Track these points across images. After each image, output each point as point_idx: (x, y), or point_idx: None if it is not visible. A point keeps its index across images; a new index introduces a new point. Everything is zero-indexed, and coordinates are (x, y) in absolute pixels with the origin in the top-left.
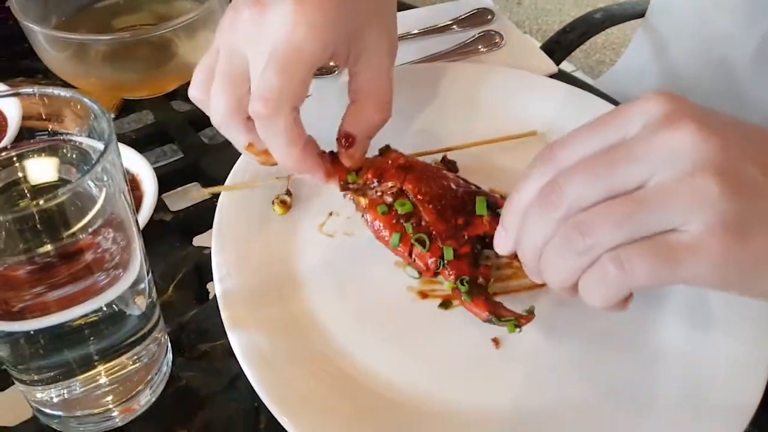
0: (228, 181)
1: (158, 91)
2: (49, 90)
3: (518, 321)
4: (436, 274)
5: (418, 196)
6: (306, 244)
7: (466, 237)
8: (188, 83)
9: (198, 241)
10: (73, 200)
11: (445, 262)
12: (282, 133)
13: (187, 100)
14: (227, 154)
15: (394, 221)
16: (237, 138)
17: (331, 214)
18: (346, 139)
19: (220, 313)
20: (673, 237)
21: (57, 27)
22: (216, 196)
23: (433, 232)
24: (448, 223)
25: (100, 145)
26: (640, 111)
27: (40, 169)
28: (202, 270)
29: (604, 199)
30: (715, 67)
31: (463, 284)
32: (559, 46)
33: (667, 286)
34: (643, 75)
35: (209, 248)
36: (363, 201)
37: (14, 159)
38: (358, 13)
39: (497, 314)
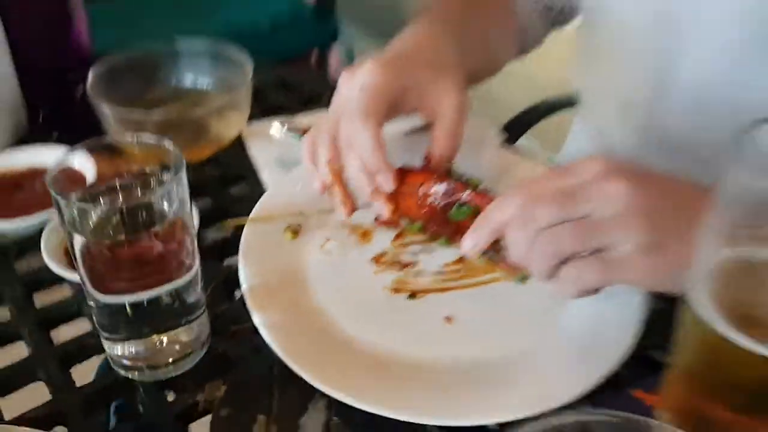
0: (251, 216)
1: (195, 158)
2: (145, 138)
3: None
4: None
5: None
6: (310, 258)
7: None
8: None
9: (227, 262)
10: (158, 205)
11: None
12: (370, 138)
13: (217, 165)
14: (246, 203)
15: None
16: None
17: (328, 239)
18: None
19: (245, 307)
20: (611, 254)
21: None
22: (241, 228)
23: None
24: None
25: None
26: (591, 165)
27: (134, 190)
28: (231, 282)
29: (563, 221)
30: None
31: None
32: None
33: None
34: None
35: (236, 266)
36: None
37: (116, 185)
38: (418, 67)
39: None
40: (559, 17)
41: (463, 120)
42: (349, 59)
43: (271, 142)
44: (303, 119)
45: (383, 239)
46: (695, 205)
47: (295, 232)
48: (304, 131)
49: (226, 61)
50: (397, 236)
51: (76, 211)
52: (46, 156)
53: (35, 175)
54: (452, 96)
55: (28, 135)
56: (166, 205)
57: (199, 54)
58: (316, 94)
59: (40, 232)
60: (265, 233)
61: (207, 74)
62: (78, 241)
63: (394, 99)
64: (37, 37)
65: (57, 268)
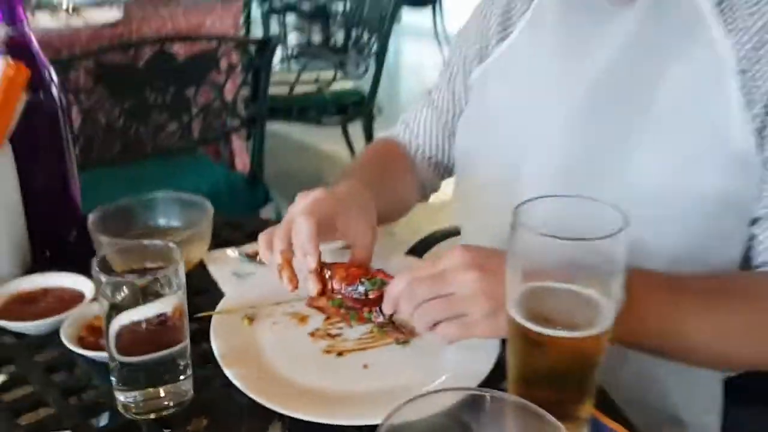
0: (219, 308)
1: None
2: (155, 243)
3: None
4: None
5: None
6: (263, 336)
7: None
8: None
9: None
10: (168, 291)
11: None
12: (307, 230)
13: (187, 280)
14: (211, 305)
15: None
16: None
17: (275, 323)
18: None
19: (218, 367)
20: (467, 319)
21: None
22: (209, 319)
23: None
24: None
25: (174, 267)
26: (455, 257)
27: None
28: (206, 353)
29: (436, 297)
30: None
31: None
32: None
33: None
34: None
35: (208, 345)
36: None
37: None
38: (344, 202)
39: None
40: (446, 171)
41: (372, 244)
42: (278, 218)
43: (226, 263)
44: (248, 247)
45: (316, 322)
46: None
47: (251, 319)
48: (249, 254)
49: (192, 206)
50: (326, 319)
51: (113, 293)
52: (51, 279)
53: (46, 292)
54: (367, 227)
55: (31, 267)
56: (173, 290)
57: (171, 201)
58: (255, 231)
59: (50, 331)
60: (228, 321)
61: (177, 216)
62: (116, 321)
63: (328, 216)
64: (43, 197)
65: (76, 348)
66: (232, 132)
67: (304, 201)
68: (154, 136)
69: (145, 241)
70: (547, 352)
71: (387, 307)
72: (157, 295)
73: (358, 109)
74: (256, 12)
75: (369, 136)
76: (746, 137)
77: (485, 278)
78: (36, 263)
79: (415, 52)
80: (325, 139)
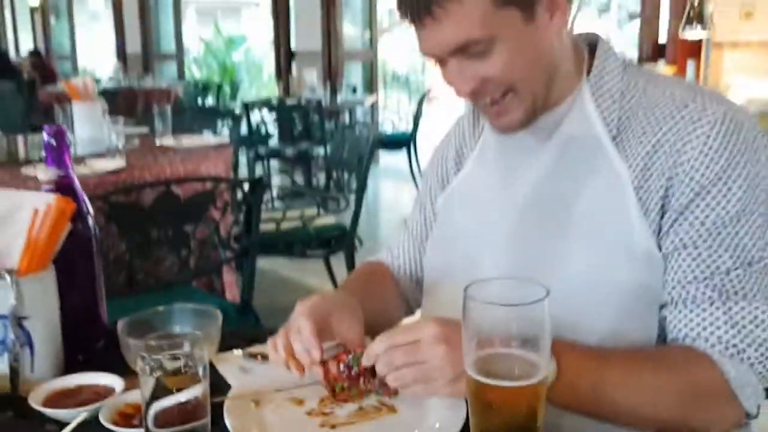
0: (229, 395)
1: None
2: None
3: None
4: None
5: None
6: (268, 416)
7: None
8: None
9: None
10: (197, 376)
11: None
12: (308, 329)
13: None
14: (223, 387)
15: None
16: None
17: (278, 406)
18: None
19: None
20: (434, 383)
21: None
22: (221, 403)
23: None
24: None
25: (201, 354)
26: (427, 328)
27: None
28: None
29: (410, 364)
30: None
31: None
32: None
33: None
34: None
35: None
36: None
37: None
38: (336, 306)
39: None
40: None
41: (362, 336)
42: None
43: (232, 362)
44: (250, 349)
45: (312, 404)
46: None
47: (257, 402)
48: (250, 354)
49: (203, 315)
50: (320, 402)
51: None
52: (84, 378)
53: (81, 389)
54: (355, 323)
55: (66, 370)
56: (203, 377)
57: (186, 311)
58: (254, 339)
59: (87, 419)
60: (238, 404)
61: (191, 324)
62: (158, 403)
63: (323, 317)
64: (76, 311)
65: (117, 429)
66: (224, 264)
67: (302, 306)
68: (156, 269)
69: (172, 334)
70: (497, 401)
71: (366, 360)
72: (192, 381)
73: (340, 242)
74: (243, 158)
75: (351, 266)
76: (647, 239)
77: (451, 351)
78: (70, 366)
79: (393, 190)
80: (310, 274)
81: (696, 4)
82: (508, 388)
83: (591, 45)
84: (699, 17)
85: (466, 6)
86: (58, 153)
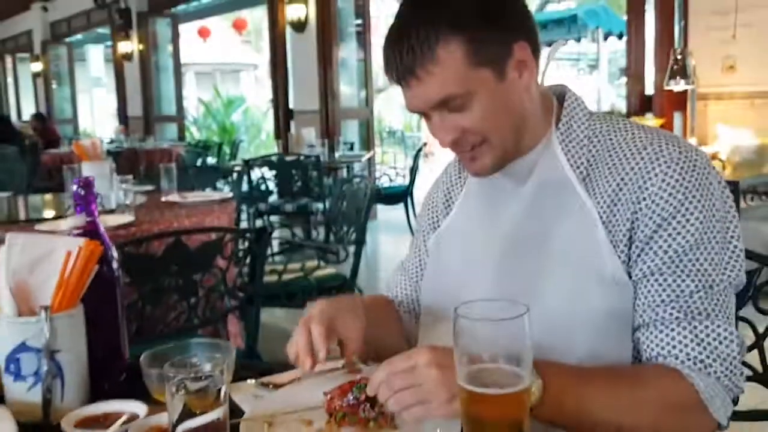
0: (244, 417)
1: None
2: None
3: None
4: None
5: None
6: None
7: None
8: None
9: None
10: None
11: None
12: (317, 330)
13: None
14: (237, 414)
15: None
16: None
17: (288, 427)
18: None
19: None
20: (430, 404)
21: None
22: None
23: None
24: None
25: (221, 364)
26: (422, 355)
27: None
28: None
29: (408, 387)
30: None
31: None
32: None
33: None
34: None
35: None
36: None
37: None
38: (341, 309)
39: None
40: None
41: (361, 338)
42: None
43: (245, 390)
44: (262, 379)
45: (319, 425)
46: None
47: (270, 424)
48: (262, 383)
49: (218, 348)
50: (327, 422)
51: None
52: (110, 406)
53: (107, 415)
54: (357, 326)
55: (91, 398)
56: (222, 397)
57: (202, 345)
58: (265, 371)
59: None
60: (252, 426)
61: (207, 356)
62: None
63: (329, 321)
64: (100, 349)
65: None
66: (229, 314)
67: (314, 310)
68: (165, 316)
69: (193, 359)
70: (486, 408)
71: (370, 390)
72: (214, 405)
73: (341, 291)
74: (243, 214)
75: None
76: (617, 269)
77: (445, 374)
78: (95, 396)
79: (391, 243)
80: None
81: (679, 58)
82: (495, 395)
83: (559, 96)
84: (682, 71)
85: (444, 68)
86: (86, 201)
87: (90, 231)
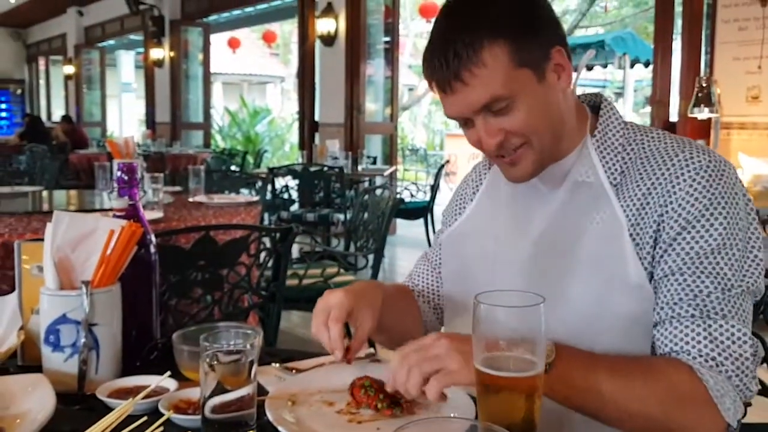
0: (269, 395)
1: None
2: (238, 329)
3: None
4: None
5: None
6: (303, 411)
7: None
8: None
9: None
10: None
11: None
12: (334, 332)
13: None
14: (261, 392)
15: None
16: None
17: (311, 405)
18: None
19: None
20: (446, 369)
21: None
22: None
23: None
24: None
25: (252, 339)
26: (430, 336)
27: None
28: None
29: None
30: None
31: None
32: None
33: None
34: None
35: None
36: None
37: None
38: (360, 301)
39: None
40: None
41: (370, 328)
42: None
43: (270, 374)
44: (285, 364)
45: (341, 405)
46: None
47: (293, 402)
48: (286, 367)
49: (245, 333)
50: (347, 404)
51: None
52: (142, 380)
53: (139, 388)
54: (369, 317)
55: (124, 373)
56: (253, 377)
57: (231, 328)
58: (288, 357)
59: (147, 410)
60: (277, 403)
61: (234, 339)
62: (219, 397)
63: (348, 311)
64: (134, 326)
65: (175, 415)
66: (251, 310)
67: (331, 300)
68: (189, 310)
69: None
70: (501, 390)
71: (389, 387)
72: (245, 382)
73: None
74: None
75: None
76: (640, 273)
77: (455, 342)
78: (127, 371)
79: (408, 258)
80: None
81: (704, 86)
82: (509, 378)
83: (593, 105)
84: (707, 99)
85: (490, 70)
86: (129, 185)
87: (131, 214)
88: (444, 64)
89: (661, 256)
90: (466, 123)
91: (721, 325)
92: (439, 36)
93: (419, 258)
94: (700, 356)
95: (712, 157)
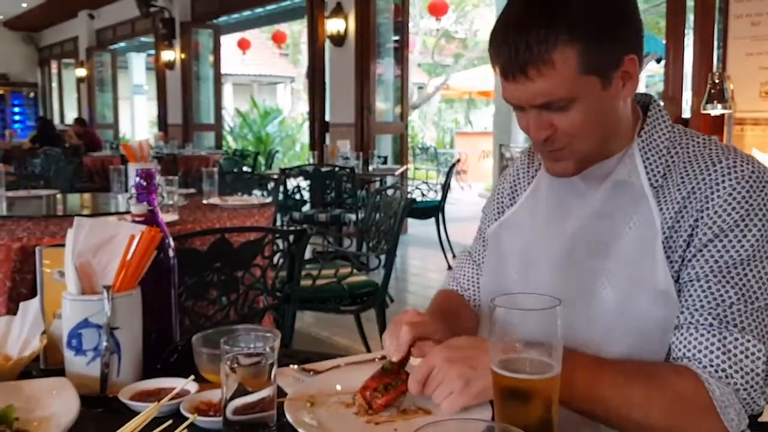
0: (288, 396)
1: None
2: (257, 332)
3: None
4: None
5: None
6: (322, 411)
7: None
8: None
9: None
10: (265, 375)
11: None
12: (404, 337)
13: None
14: (279, 394)
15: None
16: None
17: (329, 406)
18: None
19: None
20: (454, 393)
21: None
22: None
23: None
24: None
25: (272, 342)
26: (432, 358)
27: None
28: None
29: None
30: None
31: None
32: None
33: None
34: None
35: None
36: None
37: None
38: (433, 331)
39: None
40: None
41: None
42: None
43: (288, 375)
44: (303, 365)
45: (357, 407)
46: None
47: (312, 403)
48: (304, 369)
49: (264, 336)
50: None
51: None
52: (163, 382)
53: (160, 390)
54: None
55: (144, 376)
56: (273, 379)
57: (249, 331)
58: (306, 359)
59: (168, 412)
60: (296, 404)
61: (253, 342)
62: (240, 399)
63: (420, 335)
64: (154, 330)
65: (198, 417)
66: (267, 311)
67: (406, 319)
68: (205, 312)
69: (249, 328)
70: (517, 393)
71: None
72: (265, 384)
73: (372, 298)
74: (278, 222)
75: (382, 322)
76: (668, 280)
77: (454, 367)
78: (148, 374)
79: (420, 258)
80: (339, 334)
81: (717, 82)
82: (526, 380)
83: (643, 105)
84: (720, 95)
85: (557, 72)
86: (147, 191)
87: (150, 219)
88: (514, 52)
89: (690, 261)
90: (520, 108)
91: (736, 338)
92: (515, 19)
93: (461, 257)
94: (711, 366)
95: (755, 167)
